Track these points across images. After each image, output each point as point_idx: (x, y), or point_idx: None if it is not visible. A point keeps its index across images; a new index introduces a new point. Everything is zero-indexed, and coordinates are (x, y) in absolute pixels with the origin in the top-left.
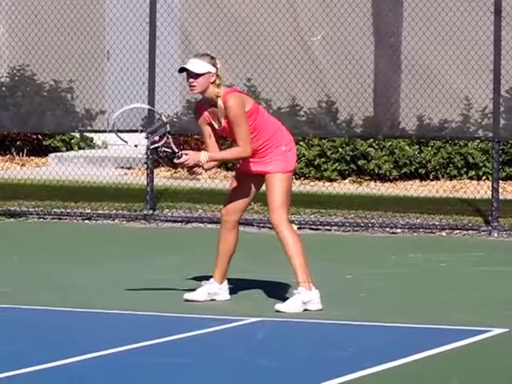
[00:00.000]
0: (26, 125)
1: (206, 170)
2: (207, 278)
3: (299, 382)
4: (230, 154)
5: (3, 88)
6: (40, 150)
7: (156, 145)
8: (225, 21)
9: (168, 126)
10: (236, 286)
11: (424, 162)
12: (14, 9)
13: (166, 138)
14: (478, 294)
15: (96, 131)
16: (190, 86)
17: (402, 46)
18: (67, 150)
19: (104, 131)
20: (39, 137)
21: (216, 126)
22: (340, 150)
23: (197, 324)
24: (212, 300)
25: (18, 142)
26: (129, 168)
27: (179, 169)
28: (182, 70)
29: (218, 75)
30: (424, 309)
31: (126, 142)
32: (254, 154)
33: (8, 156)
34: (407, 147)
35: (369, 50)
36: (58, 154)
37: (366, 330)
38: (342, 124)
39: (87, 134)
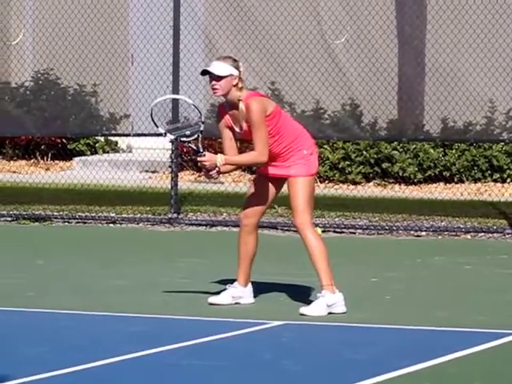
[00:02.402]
0: (50, 129)
1: (220, 174)
2: (232, 281)
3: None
4: (246, 158)
5: (27, 92)
6: (64, 153)
7: (186, 139)
8: (248, 24)
9: (202, 125)
10: (260, 289)
11: (448, 164)
12: (38, 13)
13: (197, 136)
14: (502, 296)
15: (120, 135)
16: (213, 89)
17: (426, 49)
18: (92, 154)
19: (128, 135)
20: (64, 141)
21: (237, 130)
22: (364, 152)
23: (222, 327)
24: (236, 303)
25: (42, 146)
26: (153, 172)
27: (201, 173)
28: (204, 72)
29: (240, 78)
30: (448, 311)
31: (156, 126)
32: (276, 158)
33: (32, 160)
34: (431, 150)
35: (393, 52)
36: (83, 157)
37: (391, 332)
38: (366, 127)
39: (112, 138)
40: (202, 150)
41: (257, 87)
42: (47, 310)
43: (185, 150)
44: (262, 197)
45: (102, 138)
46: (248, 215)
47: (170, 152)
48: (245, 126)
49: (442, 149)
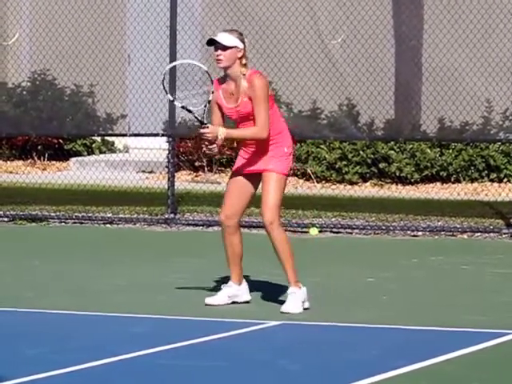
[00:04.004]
0: (47, 129)
1: (219, 149)
2: (228, 281)
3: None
4: (247, 132)
5: (24, 92)
6: (61, 154)
7: (192, 108)
8: (245, 24)
9: (211, 96)
10: (257, 289)
11: (445, 164)
12: (35, 13)
13: (204, 107)
14: (499, 296)
15: (117, 135)
16: (217, 60)
17: (423, 49)
18: (88, 154)
19: (125, 135)
20: (60, 141)
21: (228, 106)
22: (361, 152)
23: (219, 327)
24: (234, 302)
25: (39, 147)
26: (150, 172)
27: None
28: (210, 41)
29: (244, 53)
30: (445, 311)
31: (166, 91)
32: (257, 148)
33: (29, 160)
34: (428, 150)
35: (389, 52)
36: (79, 158)
37: (388, 332)
38: (362, 127)
39: (108, 138)
40: (205, 122)
41: None
42: (44, 310)
43: (181, 151)
44: (241, 196)
45: (98, 139)
46: (229, 216)
47: (166, 152)
48: (241, 102)
49: (438, 149)
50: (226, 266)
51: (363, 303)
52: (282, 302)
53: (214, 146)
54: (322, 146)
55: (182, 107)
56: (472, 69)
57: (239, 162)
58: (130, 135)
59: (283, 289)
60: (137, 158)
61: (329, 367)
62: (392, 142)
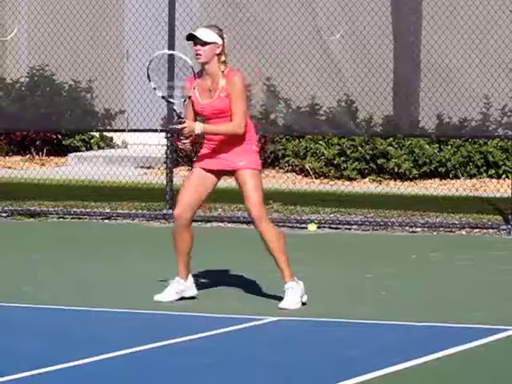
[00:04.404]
0: (45, 124)
1: (192, 142)
2: (225, 276)
3: (318, 381)
4: (224, 127)
5: (22, 88)
6: (59, 149)
7: (172, 101)
8: (244, 20)
9: (191, 93)
10: (253, 285)
11: (444, 160)
12: (34, 8)
13: (183, 101)
14: (497, 292)
15: (115, 131)
16: (196, 55)
17: (422, 45)
18: (87, 150)
19: (123, 130)
20: (59, 136)
21: (201, 101)
22: (360, 148)
23: (216, 323)
24: (181, 298)
25: (37, 142)
26: (148, 167)
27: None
28: (189, 36)
29: (223, 50)
30: (443, 308)
31: (149, 79)
32: (223, 147)
33: (28, 156)
34: (427, 146)
35: (388, 48)
36: (78, 153)
37: (386, 328)
38: (361, 123)
39: (107, 134)
40: (182, 117)
41: (252, 83)
42: (43, 305)
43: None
44: (199, 192)
45: (97, 134)
46: (186, 209)
47: (165, 148)
48: (217, 98)
49: (437, 145)
50: (223, 262)
51: (361, 299)
52: (280, 298)
53: (188, 141)
54: (320, 142)
55: (163, 97)
56: (470, 65)
57: (203, 157)
58: (129, 131)
59: (280, 284)
60: (135, 154)
61: (326, 363)
62: (391, 138)
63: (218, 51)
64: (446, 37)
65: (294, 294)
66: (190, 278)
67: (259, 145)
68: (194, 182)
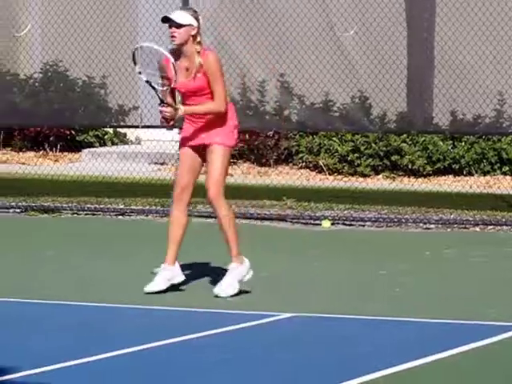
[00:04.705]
0: (59, 120)
1: (174, 125)
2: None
3: (332, 377)
4: (204, 107)
5: (36, 84)
6: (73, 145)
7: (156, 87)
8: (257, 16)
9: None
10: (266, 281)
11: (457, 157)
12: (47, 4)
13: (166, 88)
14: (511, 289)
15: (129, 127)
16: (171, 37)
17: (435, 41)
18: (100, 146)
19: (137, 127)
20: (72, 132)
21: (178, 80)
22: (373, 145)
23: (229, 320)
24: (172, 285)
25: (51, 138)
26: (162, 163)
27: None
28: (164, 19)
29: (198, 31)
30: (457, 304)
31: (135, 63)
32: (204, 121)
33: (41, 152)
34: (441, 143)
35: (402, 45)
36: (92, 149)
37: (400, 325)
38: (375, 119)
39: (120, 130)
40: (165, 102)
41: (265, 79)
42: (56, 301)
43: None
44: (193, 169)
45: (110, 130)
46: (184, 191)
47: (178, 144)
48: (194, 76)
49: (451, 141)
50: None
51: (375, 296)
52: (293, 295)
53: (171, 123)
54: (334, 139)
55: (147, 81)
56: (484, 61)
57: (185, 134)
58: (142, 127)
59: (294, 281)
60: (149, 150)
61: (340, 360)
62: (404, 135)
63: (193, 33)
64: (460, 33)
65: (232, 278)
66: (177, 265)
67: (235, 123)
68: (186, 165)
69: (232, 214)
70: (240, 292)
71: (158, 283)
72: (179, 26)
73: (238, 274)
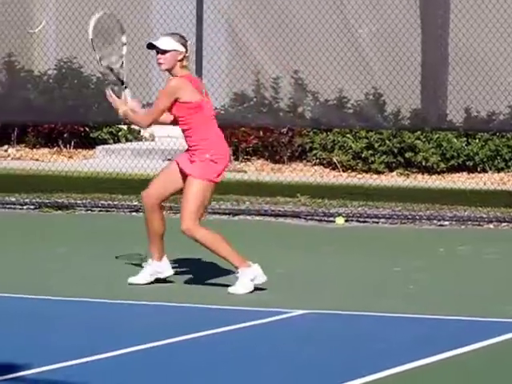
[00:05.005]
0: (73, 117)
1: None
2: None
3: (345, 374)
4: (136, 117)
5: (50, 80)
6: (87, 142)
7: (116, 69)
8: (271, 13)
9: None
10: (280, 278)
11: (471, 154)
12: (62, 1)
13: (121, 64)
14: None
15: None
16: (158, 63)
17: (450, 38)
18: (114, 143)
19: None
20: (86, 129)
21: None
22: (387, 142)
23: (242, 317)
24: (157, 279)
25: (65, 135)
26: None
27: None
28: (149, 45)
29: (185, 56)
30: (471, 301)
31: (94, 49)
32: (188, 150)
33: (55, 148)
34: (455, 140)
35: (416, 42)
36: (106, 146)
37: (414, 322)
38: (389, 116)
39: (134, 127)
40: (124, 81)
41: (279, 76)
42: (71, 298)
43: None
44: (168, 183)
45: (124, 127)
46: (150, 196)
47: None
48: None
49: (465, 138)
50: (251, 254)
51: (389, 293)
52: (308, 292)
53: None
54: (348, 135)
55: (107, 67)
56: (498, 58)
57: (180, 154)
58: (156, 123)
59: (308, 278)
60: (163, 147)
61: (354, 357)
62: (418, 132)
63: (179, 58)
64: (474, 30)
65: (243, 278)
66: (165, 259)
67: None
68: (165, 175)
69: (211, 235)
70: (254, 289)
71: (140, 277)
72: (164, 51)
73: (249, 273)
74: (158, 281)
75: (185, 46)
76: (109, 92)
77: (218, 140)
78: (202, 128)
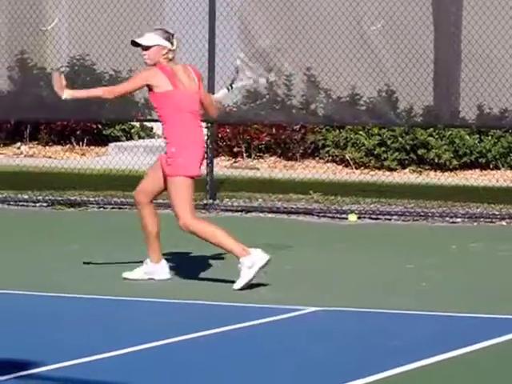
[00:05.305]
0: (85, 114)
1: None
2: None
3: (358, 371)
4: (92, 91)
5: (63, 77)
6: (100, 139)
7: None
8: (284, 10)
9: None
10: (294, 275)
11: (484, 151)
12: None
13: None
14: None
15: (156, 120)
16: (144, 59)
17: (462, 35)
18: (127, 140)
19: None
20: (99, 126)
21: None
22: (400, 139)
23: (255, 313)
24: (150, 279)
25: (77, 132)
26: None
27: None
28: (133, 43)
29: (170, 50)
30: (484, 298)
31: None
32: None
33: (68, 146)
34: (467, 136)
35: (428, 39)
36: (118, 143)
37: (427, 319)
38: (401, 113)
39: (147, 124)
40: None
41: (292, 73)
42: (83, 295)
43: (220, 136)
44: (155, 180)
45: (137, 124)
46: (139, 192)
47: (205, 138)
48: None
49: (477, 135)
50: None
51: (402, 290)
52: (320, 289)
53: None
54: (360, 133)
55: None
56: None
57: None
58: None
59: (321, 274)
60: None
61: (367, 354)
62: (431, 129)
63: (163, 52)
64: (487, 27)
65: (242, 271)
66: (163, 262)
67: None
68: (152, 172)
69: (209, 228)
70: (260, 284)
71: (135, 273)
72: (147, 47)
73: (246, 262)
74: (169, 278)
75: (169, 40)
76: (56, 74)
77: (189, 135)
78: (171, 118)
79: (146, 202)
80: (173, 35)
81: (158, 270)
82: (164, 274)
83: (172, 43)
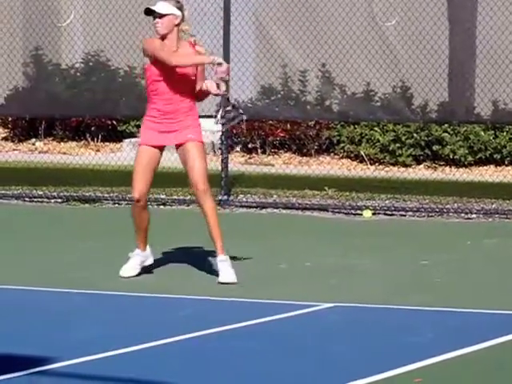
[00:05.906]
0: (100, 110)
1: None
2: (280, 262)
3: (374, 367)
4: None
5: (78, 74)
6: (115, 135)
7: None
8: (299, 6)
9: None
10: (309, 271)
11: (499, 147)
12: None
13: None
14: None
15: None
16: (155, 27)
17: (477, 31)
18: None
19: None
20: (114, 122)
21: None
22: (415, 135)
23: (269, 310)
24: (144, 267)
25: (92, 128)
26: None
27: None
28: (147, 11)
29: (182, 20)
30: (499, 294)
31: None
32: (175, 118)
33: (83, 142)
34: (482, 132)
35: (444, 34)
36: (133, 139)
37: (442, 315)
38: (416, 109)
39: None
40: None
41: (307, 69)
42: (99, 291)
43: (235, 132)
44: (150, 171)
45: None
46: (142, 193)
47: (219, 134)
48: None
49: (492, 131)
50: (279, 248)
51: (417, 286)
52: (335, 285)
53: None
54: (375, 129)
55: None
56: None
57: (147, 134)
58: None
59: (335, 271)
60: None
61: (382, 350)
62: (446, 125)
63: (176, 22)
64: (502, 23)
65: (228, 267)
66: (148, 248)
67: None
68: (143, 165)
69: (216, 212)
70: (274, 280)
71: (130, 270)
72: (161, 15)
73: (229, 263)
74: (183, 274)
75: (181, 10)
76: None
77: (156, 104)
78: (148, 90)
79: (146, 198)
80: (182, 5)
81: (146, 255)
82: (150, 259)
83: (183, 14)
